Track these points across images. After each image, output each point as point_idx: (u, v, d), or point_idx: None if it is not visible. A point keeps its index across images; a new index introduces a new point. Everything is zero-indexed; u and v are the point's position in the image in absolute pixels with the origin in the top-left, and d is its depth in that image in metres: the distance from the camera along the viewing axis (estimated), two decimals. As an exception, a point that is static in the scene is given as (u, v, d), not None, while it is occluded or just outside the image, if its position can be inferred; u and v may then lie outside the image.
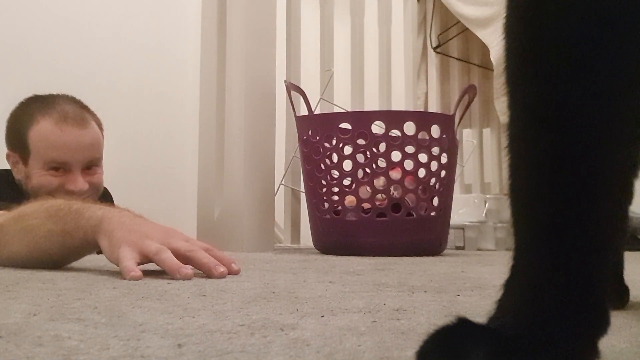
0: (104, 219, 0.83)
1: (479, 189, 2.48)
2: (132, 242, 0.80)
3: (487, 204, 1.99)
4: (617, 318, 0.53)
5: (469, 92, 1.61)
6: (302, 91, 1.67)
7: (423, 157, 1.49)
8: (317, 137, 1.51)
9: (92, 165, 1.23)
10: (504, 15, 0.33)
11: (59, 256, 0.88)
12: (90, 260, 1.03)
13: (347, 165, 1.48)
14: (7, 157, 1.23)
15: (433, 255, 1.47)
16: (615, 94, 0.31)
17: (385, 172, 1.45)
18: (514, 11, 0.33)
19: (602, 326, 0.32)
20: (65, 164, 1.18)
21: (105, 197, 1.35)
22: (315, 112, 1.70)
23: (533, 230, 0.33)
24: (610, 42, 0.30)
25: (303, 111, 1.67)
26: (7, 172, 1.25)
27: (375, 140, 1.46)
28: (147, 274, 0.82)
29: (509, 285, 0.33)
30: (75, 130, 1.19)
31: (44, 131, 1.18)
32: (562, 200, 0.31)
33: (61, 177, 1.18)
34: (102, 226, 0.83)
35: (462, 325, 0.32)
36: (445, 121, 1.53)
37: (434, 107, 2.54)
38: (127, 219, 0.84)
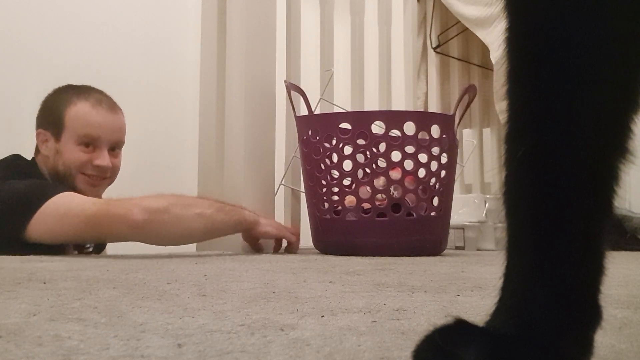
0: (259, 218, 1.40)
1: (479, 189, 2.48)
2: (284, 227, 1.55)
3: (487, 204, 1.99)
4: (617, 318, 0.53)
5: (469, 92, 1.61)
6: (302, 91, 1.67)
7: (423, 157, 1.49)
8: (317, 137, 1.51)
9: (116, 147, 1.40)
10: (505, 25, 0.34)
11: (225, 233, 1.35)
12: (91, 260, 1.05)
13: (347, 165, 1.48)
14: (38, 135, 1.37)
15: (433, 255, 1.47)
16: (609, 99, 0.31)
17: (385, 172, 1.45)
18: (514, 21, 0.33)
19: (594, 321, 0.32)
20: (96, 140, 1.34)
21: None
22: (315, 112, 1.70)
23: (522, 229, 0.33)
24: (605, 49, 0.31)
25: (303, 111, 1.67)
26: (18, 157, 1.37)
27: (375, 140, 1.46)
28: (146, 273, 0.82)
29: (502, 285, 0.34)
30: (108, 113, 1.36)
31: (80, 110, 1.34)
32: (549, 198, 0.32)
33: (90, 154, 1.34)
34: (260, 221, 1.40)
35: (458, 326, 0.32)
36: (445, 121, 1.53)
37: (434, 107, 2.54)
38: (260, 216, 1.43)
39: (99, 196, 1.40)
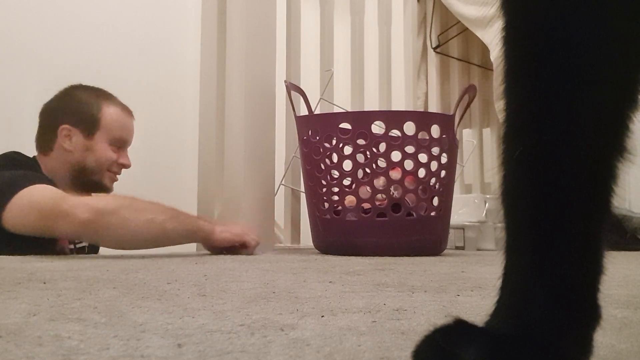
0: (214, 227, 1.36)
1: (479, 189, 2.48)
2: (242, 231, 1.41)
3: (487, 204, 1.99)
4: (617, 318, 0.53)
5: (469, 92, 1.61)
6: (302, 91, 1.67)
7: (423, 157, 1.49)
8: (317, 137, 1.51)
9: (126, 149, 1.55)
10: (502, 24, 0.33)
11: (177, 242, 1.31)
12: (91, 260, 1.06)
13: (347, 165, 1.48)
14: (61, 130, 1.44)
15: (433, 255, 1.47)
16: (607, 98, 0.31)
17: (385, 172, 1.45)
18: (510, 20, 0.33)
19: (594, 320, 0.32)
20: (124, 143, 1.50)
21: None
22: (315, 112, 1.70)
23: (521, 228, 0.33)
24: (602, 48, 0.30)
25: (303, 111, 1.67)
26: (17, 153, 1.43)
27: (375, 140, 1.46)
28: (146, 273, 0.82)
29: (502, 285, 0.34)
30: (130, 119, 1.52)
31: (115, 114, 1.47)
32: (547, 197, 0.31)
33: (117, 154, 1.47)
34: (215, 230, 1.35)
35: (458, 326, 0.32)
36: (445, 121, 1.53)
37: (434, 107, 2.54)
38: (216, 224, 1.40)
39: (112, 190, 1.50)
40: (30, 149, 1.46)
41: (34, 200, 1.21)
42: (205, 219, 1.40)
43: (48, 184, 1.26)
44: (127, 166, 1.50)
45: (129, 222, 1.21)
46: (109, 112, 1.46)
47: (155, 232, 1.24)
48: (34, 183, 1.23)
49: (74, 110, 1.46)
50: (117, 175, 1.50)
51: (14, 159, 1.40)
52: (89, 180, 1.44)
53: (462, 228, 1.94)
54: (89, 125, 1.44)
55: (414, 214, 1.47)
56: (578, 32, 0.30)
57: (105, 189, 1.46)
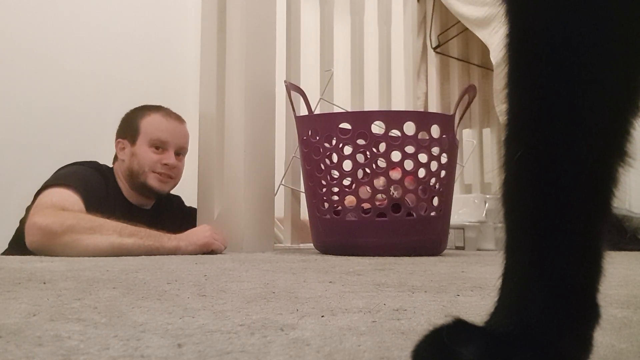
0: (179, 242, 1.37)
1: (479, 189, 2.48)
2: (209, 240, 1.42)
3: (487, 204, 1.99)
4: (617, 318, 0.53)
5: (469, 92, 1.61)
6: (302, 91, 1.67)
7: (423, 157, 1.49)
8: (317, 137, 1.51)
9: (180, 153, 1.61)
10: (506, 28, 0.34)
11: (138, 254, 1.29)
12: (91, 260, 1.06)
13: (347, 165, 1.48)
14: (117, 144, 1.61)
15: (433, 255, 1.47)
16: (608, 103, 0.31)
17: (385, 172, 1.45)
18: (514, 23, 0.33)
19: (593, 320, 0.32)
20: (164, 143, 1.57)
21: (178, 200, 1.75)
22: (315, 112, 1.70)
23: (521, 229, 0.33)
24: (604, 52, 0.31)
25: (303, 111, 1.67)
26: (88, 163, 1.56)
27: (375, 140, 1.46)
28: (146, 273, 0.82)
29: (501, 285, 0.34)
30: (175, 122, 1.61)
31: (153, 119, 1.58)
32: (547, 199, 0.32)
33: (159, 155, 1.56)
34: (180, 245, 1.36)
35: (457, 325, 0.32)
36: (445, 121, 1.53)
37: (434, 107, 2.54)
38: (181, 239, 1.39)
39: (167, 192, 1.62)
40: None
41: (39, 205, 1.34)
42: (170, 236, 1.38)
43: (66, 189, 1.37)
44: (171, 165, 1.56)
45: (81, 242, 1.25)
46: (148, 119, 1.58)
47: (112, 250, 1.27)
48: (63, 185, 1.37)
49: (124, 125, 1.61)
50: (170, 177, 1.57)
51: (91, 162, 1.56)
52: (137, 182, 1.55)
53: (462, 228, 1.94)
54: (133, 133, 1.57)
55: (414, 214, 1.47)
56: (580, 38, 0.30)
57: (152, 189, 1.56)
